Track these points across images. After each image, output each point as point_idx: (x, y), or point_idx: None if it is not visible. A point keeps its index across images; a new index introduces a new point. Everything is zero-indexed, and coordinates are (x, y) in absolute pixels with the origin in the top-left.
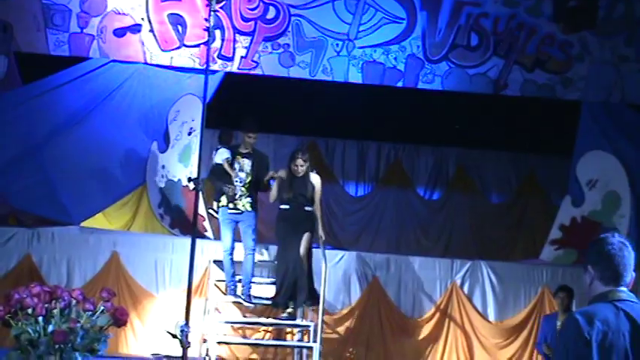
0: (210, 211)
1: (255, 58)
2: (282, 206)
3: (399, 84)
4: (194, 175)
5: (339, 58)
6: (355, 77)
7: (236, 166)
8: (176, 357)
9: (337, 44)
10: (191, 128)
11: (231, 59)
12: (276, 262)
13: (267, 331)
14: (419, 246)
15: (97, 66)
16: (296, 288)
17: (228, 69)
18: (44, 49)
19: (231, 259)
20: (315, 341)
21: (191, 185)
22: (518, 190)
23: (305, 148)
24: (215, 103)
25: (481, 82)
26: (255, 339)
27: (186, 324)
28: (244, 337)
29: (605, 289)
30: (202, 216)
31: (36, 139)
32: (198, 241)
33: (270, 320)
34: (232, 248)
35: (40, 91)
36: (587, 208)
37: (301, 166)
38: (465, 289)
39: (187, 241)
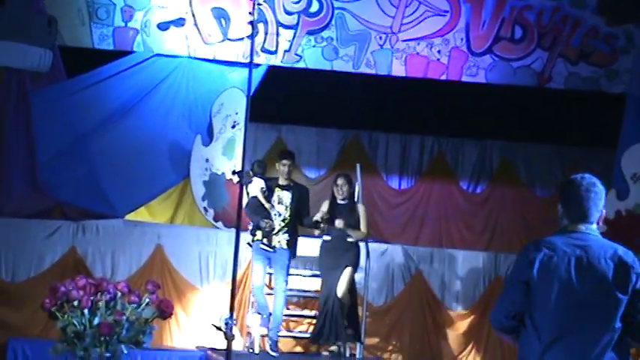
0: (246, 245)
1: (298, 52)
2: (324, 237)
3: (443, 77)
4: (238, 169)
5: (382, 51)
6: (398, 70)
7: (274, 198)
8: (220, 349)
9: (380, 37)
10: (235, 121)
11: (274, 53)
12: (318, 297)
13: (310, 324)
14: (462, 239)
15: (141, 60)
16: (337, 326)
17: (271, 62)
18: (88, 43)
19: (263, 293)
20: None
21: (235, 178)
22: None
23: (344, 174)
24: (258, 96)
25: (525, 75)
26: (299, 331)
27: (231, 316)
28: (288, 329)
29: (571, 224)
30: None
31: (81, 132)
32: (242, 234)
33: (314, 312)
34: (264, 284)
35: (85, 85)
36: (631, 201)
37: (343, 185)
38: None
39: (231, 233)
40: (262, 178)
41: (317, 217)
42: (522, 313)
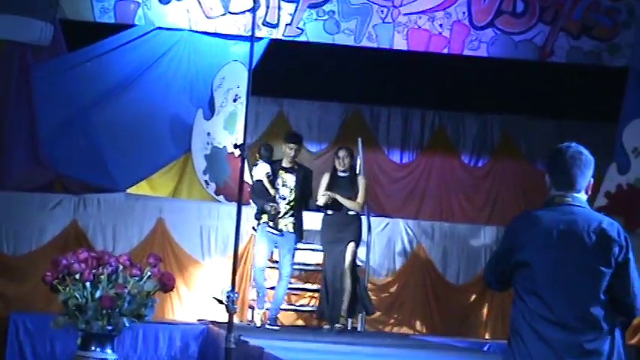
0: (250, 229)
1: (300, 25)
2: (327, 211)
3: (444, 51)
4: (240, 142)
5: (384, 25)
6: (400, 44)
7: (279, 181)
8: (222, 323)
9: (382, 11)
10: (236, 95)
11: (276, 26)
12: (321, 270)
13: (312, 297)
14: (464, 213)
15: (143, 33)
16: (342, 300)
17: (273, 36)
18: (89, 17)
19: (264, 278)
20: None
21: (237, 152)
22: None
23: (346, 147)
24: (260, 70)
25: (527, 49)
26: (300, 305)
27: (232, 290)
28: (289, 303)
29: (558, 193)
30: (247, 183)
31: (82, 106)
32: (244, 208)
33: (316, 286)
34: (266, 266)
35: (86, 58)
36: (632, 175)
37: (345, 158)
38: None
39: (232, 208)
40: (268, 163)
41: (320, 202)
42: (511, 278)
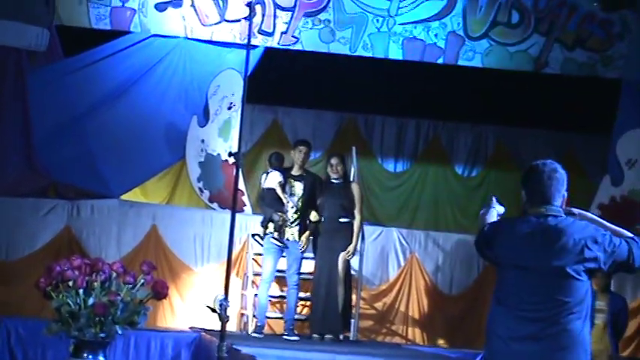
0: (256, 237)
1: (295, 34)
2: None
3: (439, 61)
4: (234, 150)
5: (379, 34)
6: (395, 54)
7: (287, 189)
8: (215, 331)
9: (378, 20)
10: (231, 103)
11: (271, 34)
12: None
13: (304, 306)
14: (456, 223)
15: (138, 40)
16: (330, 315)
17: (268, 44)
18: (85, 23)
19: (268, 289)
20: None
21: (231, 160)
22: None
23: (337, 153)
24: (255, 78)
25: (522, 60)
26: None
27: (225, 298)
28: (281, 311)
29: (532, 208)
30: (241, 190)
31: (77, 112)
32: (237, 215)
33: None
34: (272, 279)
35: (82, 64)
36: (626, 187)
37: (337, 165)
38: None
39: (226, 215)
40: (279, 171)
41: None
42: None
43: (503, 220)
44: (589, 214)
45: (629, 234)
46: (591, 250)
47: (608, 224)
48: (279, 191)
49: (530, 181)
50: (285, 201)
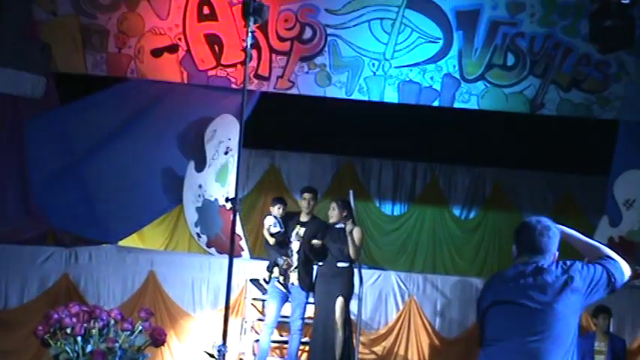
0: (261, 281)
1: (291, 78)
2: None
3: (435, 103)
4: (231, 195)
5: (375, 77)
6: (391, 97)
7: (294, 236)
8: None
9: (373, 64)
10: (228, 147)
11: (267, 79)
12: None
13: (303, 351)
14: (454, 265)
15: (135, 86)
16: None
17: (264, 88)
18: (82, 69)
19: (271, 334)
20: None
21: (228, 205)
22: (555, 210)
23: (341, 199)
24: (251, 122)
25: (517, 102)
26: None
27: (224, 344)
28: (281, 357)
29: (518, 259)
30: (239, 235)
31: (74, 158)
32: (235, 260)
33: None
34: (275, 324)
35: (79, 110)
36: (624, 228)
37: (333, 209)
38: None
39: (224, 260)
40: (274, 217)
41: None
42: None
43: (494, 274)
44: (567, 229)
45: (606, 250)
46: (574, 284)
47: (585, 238)
48: (267, 235)
49: (521, 236)
50: (271, 243)
